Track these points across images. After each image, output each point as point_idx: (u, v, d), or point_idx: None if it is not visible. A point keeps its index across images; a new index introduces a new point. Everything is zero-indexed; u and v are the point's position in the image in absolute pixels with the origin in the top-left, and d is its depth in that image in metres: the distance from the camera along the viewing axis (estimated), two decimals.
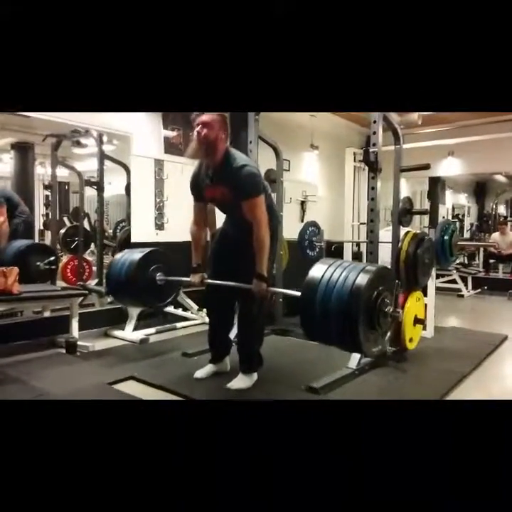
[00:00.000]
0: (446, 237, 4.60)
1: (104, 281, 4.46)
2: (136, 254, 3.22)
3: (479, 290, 7.26)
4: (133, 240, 4.46)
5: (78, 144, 4.74)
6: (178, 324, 4.35)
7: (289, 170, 5.99)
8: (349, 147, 7.03)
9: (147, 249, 3.35)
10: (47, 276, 4.10)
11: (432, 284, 4.10)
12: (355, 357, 3.11)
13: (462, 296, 6.92)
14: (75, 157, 5.13)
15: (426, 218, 8.10)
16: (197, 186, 2.81)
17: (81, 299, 3.87)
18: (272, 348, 3.43)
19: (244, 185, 2.54)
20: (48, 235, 5.03)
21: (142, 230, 4.55)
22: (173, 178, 4.85)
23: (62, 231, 5.03)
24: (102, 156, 4.60)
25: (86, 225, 4.98)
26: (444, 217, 8.84)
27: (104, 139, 4.64)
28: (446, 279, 7.10)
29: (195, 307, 4.50)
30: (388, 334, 2.44)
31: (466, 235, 10.39)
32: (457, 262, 7.31)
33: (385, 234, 3.64)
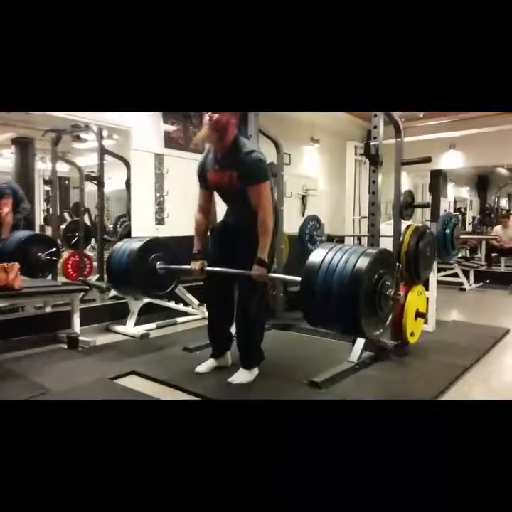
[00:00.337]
0: (447, 231, 4.59)
1: (105, 276, 4.47)
2: (136, 243, 3.22)
3: (481, 284, 7.25)
4: (133, 234, 4.45)
5: (78, 138, 4.74)
6: (179, 319, 4.36)
7: (289, 164, 5.98)
8: (350, 140, 7.02)
9: (147, 238, 3.35)
10: (48, 267, 4.11)
11: (433, 277, 4.09)
12: (356, 351, 3.11)
13: (464, 289, 6.91)
14: (75, 152, 5.12)
15: (427, 212, 8.10)
16: (204, 173, 2.83)
17: (82, 294, 3.87)
18: (273, 343, 3.43)
19: (252, 170, 2.59)
20: (49, 230, 5.03)
21: (142, 225, 4.54)
22: (173, 173, 4.84)
23: (63, 226, 5.03)
24: (102, 151, 4.59)
25: (86, 220, 4.98)
26: (445, 210, 8.83)
27: (104, 133, 4.63)
28: (447, 272, 7.08)
29: (196, 302, 4.50)
30: (389, 317, 2.44)
31: (468, 228, 10.37)
32: (459, 255, 7.29)
33: (386, 227, 3.63)
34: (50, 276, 4.44)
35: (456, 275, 7.03)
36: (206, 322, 3.03)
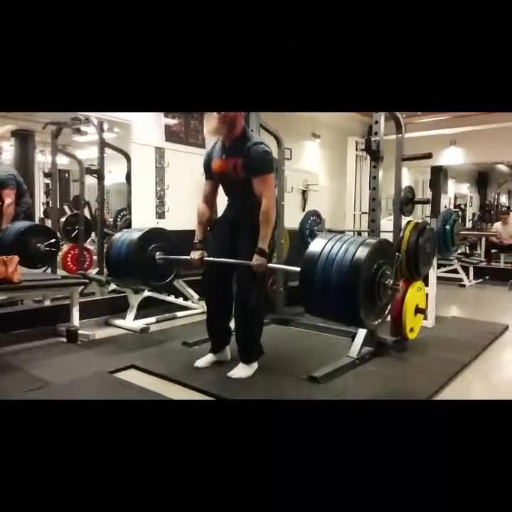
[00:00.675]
0: (447, 227, 4.58)
1: (104, 270, 4.47)
2: (136, 233, 3.21)
3: (481, 280, 7.25)
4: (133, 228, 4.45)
5: (78, 131, 4.71)
6: (179, 313, 4.36)
7: (290, 159, 5.97)
8: (351, 136, 7.00)
9: (146, 228, 3.34)
10: (47, 258, 4.10)
11: (433, 273, 4.09)
12: (356, 346, 3.11)
13: (463, 285, 6.91)
14: (76, 145, 5.11)
15: (428, 208, 8.09)
16: (209, 163, 2.88)
17: (82, 287, 3.87)
18: (272, 338, 3.44)
19: (258, 160, 2.65)
20: (48, 223, 5.02)
21: (143, 219, 4.53)
22: (173, 166, 4.83)
23: (63, 220, 5.02)
24: (103, 144, 4.57)
25: (86, 213, 4.96)
26: (445, 206, 8.82)
27: (105, 126, 4.61)
28: (447, 268, 7.09)
29: (196, 296, 4.50)
30: (388, 307, 2.44)
31: (468, 224, 10.37)
32: (459, 251, 7.29)
33: (387, 223, 3.63)
34: (49, 270, 4.44)
35: (455, 271, 7.04)
36: (206, 316, 3.03)
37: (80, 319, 3.63)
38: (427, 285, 3.82)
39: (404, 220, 3.53)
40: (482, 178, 11.50)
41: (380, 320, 2.40)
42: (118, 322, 4.01)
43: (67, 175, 5.52)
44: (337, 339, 3.62)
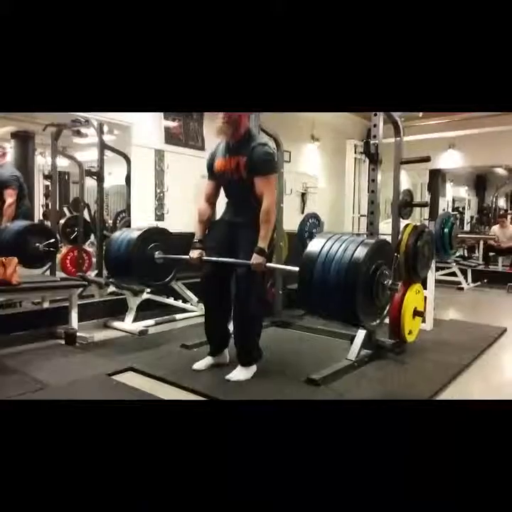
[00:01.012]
0: (446, 230, 4.59)
1: (104, 272, 4.47)
2: (135, 232, 3.20)
3: (479, 283, 7.26)
4: None
5: (78, 133, 4.72)
6: (178, 316, 4.35)
7: (289, 161, 5.97)
8: (350, 139, 7.01)
9: (145, 227, 3.33)
10: (46, 258, 4.10)
11: (431, 276, 4.09)
12: (355, 349, 3.12)
13: (462, 288, 6.92)
14: (76, 147, 5.11)
15: (426, 211, 8.09)
16: (212, 162, 2.90)
17: (80, 289, 3.87)
18: (271, 340, 3.44)
19: (262, 160, 2.69)
20: (48, 225, 5.01)
21: (142, 221, 4.53)
22: (173, 169, 4.83)
23: (62, 221, 5.02)
24: (103, 146, 4.58)
25: (86, 215, 4.97)
26: (444, 209, 8.84)
27: (105, 128, 4.62)
28: (445, 271, 7.10)
29: (195, 299, 4.49)
30: (387, 308, 2.45)
31: (466, 227, 10.38)
32: (457, 254, 7.31)
33: (385, 226, 3.64)
34: (48, 272, 4.44)
35: (454, 274, 7.05)
36: (204, 319, 3.03)
37: (78, 321, 3.63)
38: (425, 288, 3.82)
39: (403, 223, 3.54)
40: (480, 182, 11.53)
41: (378, 320, 2.40)
42: (117, 324, 4.01)
43: (66, 177, 5.53)
44: (336, 342, 3.63)
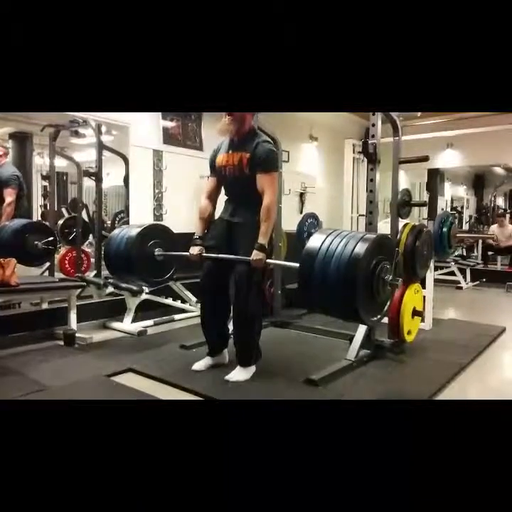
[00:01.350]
0: (444, 229, 4.60)
1: (102, 272, 4.46)
2: (134, 230, 3.19)
3: (478, 282, 7.27)
4: None
5: (76, 134, 4.70)
6: (176, 316, 4.34)
7: (288, 161, 5.97)
8: (348, 139, 7.01)
9: (145, 224, 3.32)
10: (45, 256, 4.10)
11: (430, 276, 4.10)
12: (354, 349, 3.12)
13: (461, 288, 6.93)
14: (74, 147, 5.09)
15: (425, 210, 8.10)
16: (215, 158, 2.92)
17: (79, 290, 3.86)
18: (270, 340, 3.44)
19: (265, 158, 2.72)
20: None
21: (141, 221, 4.53)
22: (171, 169, 4.83)
23: (60, 222, 5.00)
24: (101, 147, 4.57)
25: (84, 216, 4.95)
26: (442, 209, 8.84)
27: (103, 129, 4.60)
28: (444, 271, 7.11)
29: (194, 299, 4.49)
30: (387, 303, 2.45)
31: (465, 227, 10.39)
32: (456, 254, 7.31)
33: (384, 226, 3.64)
34: (46, 273, 4.43)
35: (452, 273, 7.06)
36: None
37: (77, 322, 3.62)
38: (424, 287, 3.82)
39: (402, 222, 3.54)
40: (479, 181, 11.53)
41: (379, 316, 2.40)
42: (115, 325, 4.00)
43: (65, 177, 5.50)
44: (335, 342, 3.63)
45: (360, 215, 6.98)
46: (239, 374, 2.78)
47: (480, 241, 8.44)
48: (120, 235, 3.22)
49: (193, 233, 2.95)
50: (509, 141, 7.09)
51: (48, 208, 4.96)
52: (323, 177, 7.19)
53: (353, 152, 6.97)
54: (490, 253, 8.05)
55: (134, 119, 4.51)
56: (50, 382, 2.68)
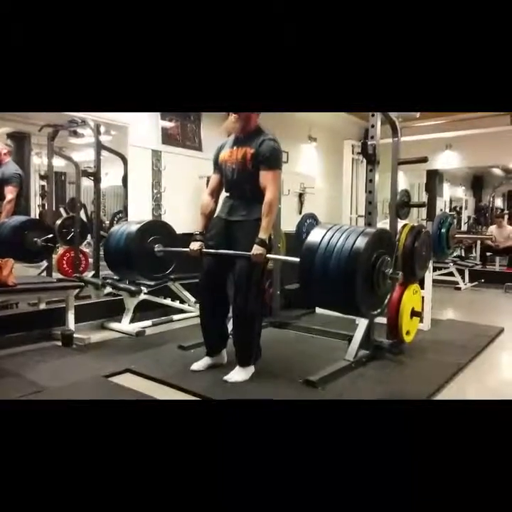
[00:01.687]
0: (443, 230, 4.60)
1: (100, 273, 4.45)
2: (134, 226, 3.18)
3: (476, 283, 7.28)
4: None
5: (75, 133, 4.70)
6: (175, 317, 4.35)
7: (287, 162, 5.97)
8: (347, 139, 7.01)
9: (145, 220, 3.31)
10: (44, 253, 4.10)
11: (428, 276, 4.10)
12: (353, 350, 3.11)
13: (459, 288, 6.93)
14: (72, 147, 5.09)
15: (423, 211, 8.11)
16: (219, 155, 2.93)
17: (77, 291, 3.85)
18: (269, 341, 3.43)
19: (270, 155, 2.73)
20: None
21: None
22: (170, 169, 4.82)
23: (59, 222, 4.99)
24: (99, 147, 4.56)
25: (82, 216, 4.94)
26: (441, 210, 8.85)
27: (102, 129, 4.60)
28: (443, 271, 7.11)
29: (192, 299, 4.49)
30: (387, 297, 2.45)
31: (464, 227, 10.39)
32: (454, 254, 7.31)
33: (383, 226, 3.63)
34: (44, 273, 4.42)
35: (451, 274, 7.07)
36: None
37: (75, 323, 3.62)
38: (422, 288, 3.82)
39: (400, 223, 3.54)
40: (477, 182, 11.53)
41: (379, 310, 2.40)
42: (114, 325, 4.00)
43: (63, 177, 5.49)
44: (334, 342, 3.62)
45: (359, 216, 6.98)
46: (238, 374, 2.78)
47: (478, 242, 8.45)
48: (120, 230, 3.21)
49: (192, 234, 2.94)
50: (508, 142, 7.09)
51: (46, 207, 4.95)
52: (322, 178, 7.19)
53: (352, 153, 6.96)
54: (488, 254, 8.06)
55: (133, 119, 4.51)
56: (47, 383, 2.67)
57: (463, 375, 3.07)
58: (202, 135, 5.20)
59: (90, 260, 4.86)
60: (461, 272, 7.14)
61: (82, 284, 4.00)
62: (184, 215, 4.70)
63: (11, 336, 3.48)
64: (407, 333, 3.38)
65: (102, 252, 4.31)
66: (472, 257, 8.62)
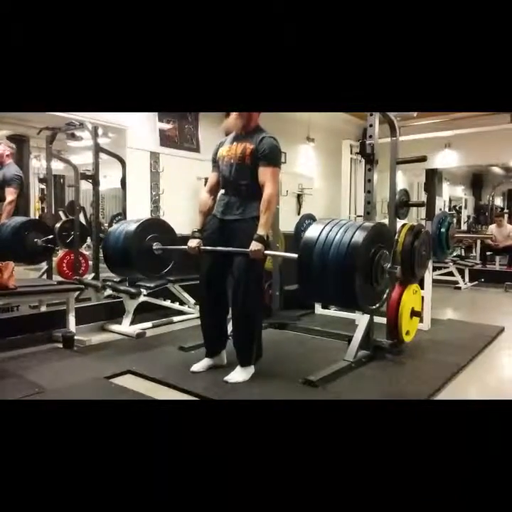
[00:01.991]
0: (443, 230, 4.59)
1: (100, 275, 4.46)
2: (133, 224, 3.19)
3: (476, 282, 7.28)
4: None
5: (73, 136, 4.71)
6: (175, 318, 4.35)
7: (285, 162, 5.95)
8: (346, 139, 7.01)
9: (144, 219, 3.31)
10: (44, 254, 4.11)
11: (428, 276, 4.10)
12: (352, 350, 3.11)
13: (459, 288, 6.93)
14: (71, 150, 5.10)
15: (423, 210, 8.11)
16: (218, 153, 2.94)
17: (77, 293, 3.86)
18: (269, 342, 3.43)
19: (270, 152, 2.74)
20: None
21: None
22: (168, 171, 4.83)
23: (58, 225, 5.00)
24: (97, 149, 4.57)
25: (82, 218, 4.95)
26: (440, 209, 8.85)
27: (100, 131, 4.60)
28: (443, 271, 7.11)
29: (192, 301, 4.49)
30: (386, 292, 2.45)
31: (463, 227, 10.40)
32: (454, 254, 7.31)
33: None
34: (44, 276, 4.43)
35: (451, 274, 7.07)
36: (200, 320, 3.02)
37: (76, 325, 3.62)
38: (422, 288, 3.83)
39: (400, 223, 3.54)
40: (477, 181, 11.55)
41: (377, 304, 2.41)
42: (114, 327, 4.00)
43: (62, 180, 5.51)
44: (333, 343, 3.63)
45: (358, 216, 6.98)
46: (238, 375, 2.78)
47: (478, 241, 8.45)
48: (118, 229, 3.21)
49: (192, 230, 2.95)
50: (507, 140, 7.10)
51: (46, 211, 4.96)
52: (320, 178, 7.20)
53: (351, 153, 6.97)
54: (488, 253, 8.06)
55: (131, 122, 4.51)
56: (48, 385, 2.67)
57: (463, 374, 3.07)
58: (200, 136, 5.21)
59: (90, 263, 4.87)
60: (461, 272, 7.14)
61: (82, 286, 4.00)
62: (183, 217, 4.70)
63: (12, 338, 3.48)
64: (407, 333, 3.38)
65: (101, 255, 4.32)
66: (472, 257, 8.62)
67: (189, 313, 4.47)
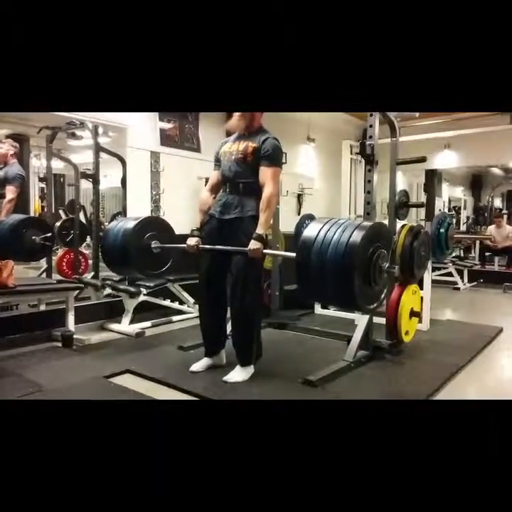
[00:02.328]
0: (442, 230, 4.60)
1: (100, 274, 4.46)
2: (131, 222, 3.18)
3: (475, 283, 7.28)
4: None
5: (73, 135, 4.71)
6: (174, 318, 4.35)
7: (285, 162, 5.95)
8: (346, 140, 7.02)
9: (142, 217, 3.31)
10: (43, 252, 4.11)
11: (427, 276, 4.10)
12: (352, 350, 3.12)
13: (458, 289, 6.94)
14: (71, 149, 5.10)
15: (422, 211, 8.11)
16: (220, 151, 2.95)
17: (77, 292, 3.86)
18: (268, 342, 3.43)
19: (272, 152, 2.75)
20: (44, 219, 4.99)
21: None
22: (169, 171, 4.83)
23: (58, 224, 5.00)
24: (98, 148, 4.57)
25: (82, 217, 4.96)
26: (440, 210, 8.85)
27: (100, 131, 4.61)
28: (442, 272, 7.11)
29: (191, 300, 4.49)
30: (385, 291, 2.45)
31: (462, 227, 10.40)
32: (453, 255, 7.32)
33: None
34: (44, 274, 4.43)
35: (450, 274, 7.07)
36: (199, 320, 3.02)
37: (75, 324, 3.62)
38: (421, 288, 3.83)
39: (399, 223, 3.54)
40: (476, 182, 11.56)
41: (375, 304, 2.42)
42: (113, 326, 4.00)
43: (62, 179, 5.51)
44: (333, 343, 3.63)
45: (357, 216, 6.99)
46: (237, 374, 2.78)
47: (477, 242, 8.46)
48: (117, 227, 3.21)
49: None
50: (507, 141, 7.10)
51: (46, 209, 4.96)
52: (320, 178, 7.20)
53: (351, 153, 6.97)
54: (487, 254, 8.06)
55: (131, 121, 4.51)
56: (47, 384, 2.67)
57: (462, 375, 3.07)
58: (200, 136, 5.21)
59: (90, 262, 4.87)
60: (460, 272, 7.15)
61: (82, 285, 4.00)
62: (183, 216, 4.70)
63: (11, 337, 3.48)
64: (406, 333, 3.39)
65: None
66: (471, 257, 8.63)
67: (188, 312, 4.47)
